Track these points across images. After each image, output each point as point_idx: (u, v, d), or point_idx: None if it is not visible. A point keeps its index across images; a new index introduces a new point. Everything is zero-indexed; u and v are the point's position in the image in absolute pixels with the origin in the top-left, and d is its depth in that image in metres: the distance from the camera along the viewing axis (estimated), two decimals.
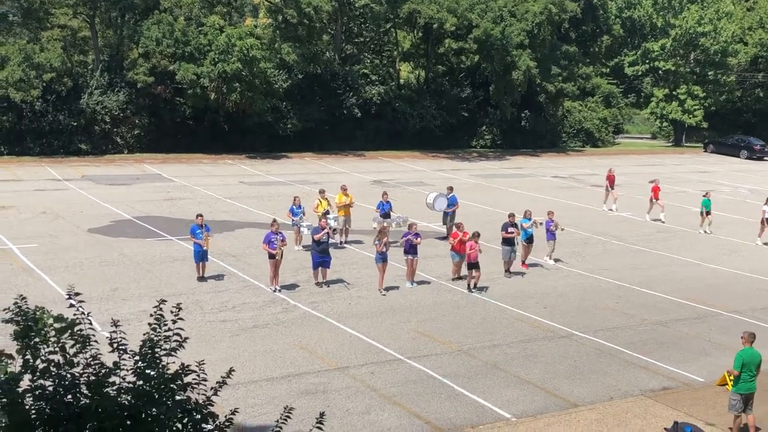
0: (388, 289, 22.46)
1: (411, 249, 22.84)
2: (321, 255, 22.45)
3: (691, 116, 66.79)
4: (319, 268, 22.60)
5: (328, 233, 22.83)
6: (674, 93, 67.51)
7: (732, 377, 14.45)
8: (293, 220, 26.36)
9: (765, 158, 63.05)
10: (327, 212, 25.85)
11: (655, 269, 26.43)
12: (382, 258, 22.22)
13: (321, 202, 26.87)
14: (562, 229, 26.76)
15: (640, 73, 71.83)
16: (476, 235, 22.77)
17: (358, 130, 55.08)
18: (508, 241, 24.54)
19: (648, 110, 71.22)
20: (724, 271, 26.80)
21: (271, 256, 21.69)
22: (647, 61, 69.45)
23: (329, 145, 53.61)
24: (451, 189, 30.15)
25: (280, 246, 21.63)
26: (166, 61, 49.05)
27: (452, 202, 29.38)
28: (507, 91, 56.59)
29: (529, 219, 25.76)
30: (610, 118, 68.25)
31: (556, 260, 26.65)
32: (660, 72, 69.72)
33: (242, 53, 46.89)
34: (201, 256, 22.53)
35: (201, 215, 23.29)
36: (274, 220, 22.84)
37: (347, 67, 56.35)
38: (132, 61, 49.09)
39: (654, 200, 34.79)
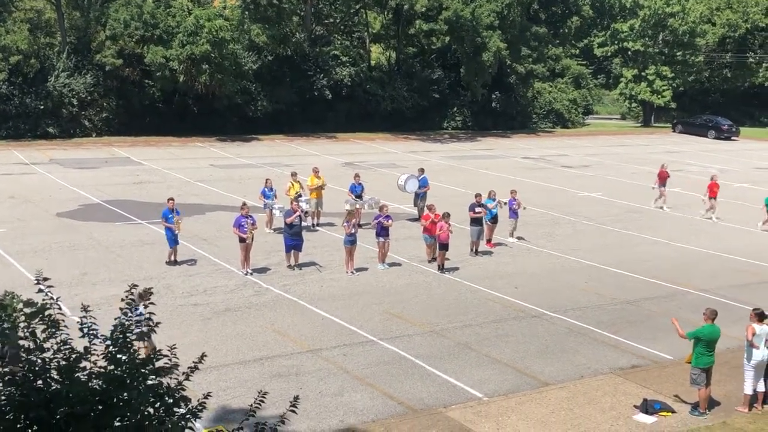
0: (359, 270, 22.50)
1: (383, 231, 22.87)
2: (293, 238, 22.43)
3: (659, 97, 67.27)
4: (292, 251, 22.58)
5: (300, 216, 22.82)
6: (643, 74, 67.92)
7: (691, 355, 14.67)
8: (265, 203, 26.30)
9: (733, 138, 63.71)
10: (299, 195, 25.78)
11: (625, 249, 26.69)
12: (351, 240, 22.26)
13: (293, 184, 26.78)
14: (525, 208, 26.99)
15: (609, 53, 72.19)
16: (446, 216, 22.86)
17: (329, 112, 54.90)
18: (476, 221, 24.71)
19: (617, 91, 71.65)
20: (693, 250, 27.12)
21: (242, 240, 21.62)
22: (616, 42, 69.76)
23: (300, 127, 53.40)
24: (422, 170, 30.20)
25: (251, 229, 21.57)
26: (134, 43, 48.45)
27: (423, 184, 29.44)
28: (477, 72, 56.65)
29: (494, 199, 25.96)
30: (580, 99, 68.61)
31: (519, 238, 26.90)
32: (629, 53, 70.09)
33: (211, 35, 46.48)
34: (174, 240, 22.40)
35: (172, 199, 23.15)
36: (244, 203, 22.75)
37: (317, 49, 56.07)
38: (100, 43, 48.45)
39: (710, 198, 31.73)
